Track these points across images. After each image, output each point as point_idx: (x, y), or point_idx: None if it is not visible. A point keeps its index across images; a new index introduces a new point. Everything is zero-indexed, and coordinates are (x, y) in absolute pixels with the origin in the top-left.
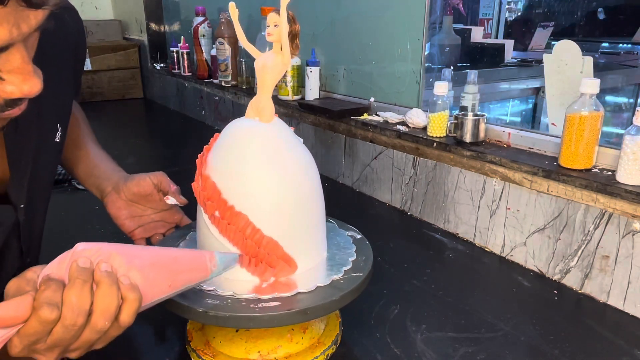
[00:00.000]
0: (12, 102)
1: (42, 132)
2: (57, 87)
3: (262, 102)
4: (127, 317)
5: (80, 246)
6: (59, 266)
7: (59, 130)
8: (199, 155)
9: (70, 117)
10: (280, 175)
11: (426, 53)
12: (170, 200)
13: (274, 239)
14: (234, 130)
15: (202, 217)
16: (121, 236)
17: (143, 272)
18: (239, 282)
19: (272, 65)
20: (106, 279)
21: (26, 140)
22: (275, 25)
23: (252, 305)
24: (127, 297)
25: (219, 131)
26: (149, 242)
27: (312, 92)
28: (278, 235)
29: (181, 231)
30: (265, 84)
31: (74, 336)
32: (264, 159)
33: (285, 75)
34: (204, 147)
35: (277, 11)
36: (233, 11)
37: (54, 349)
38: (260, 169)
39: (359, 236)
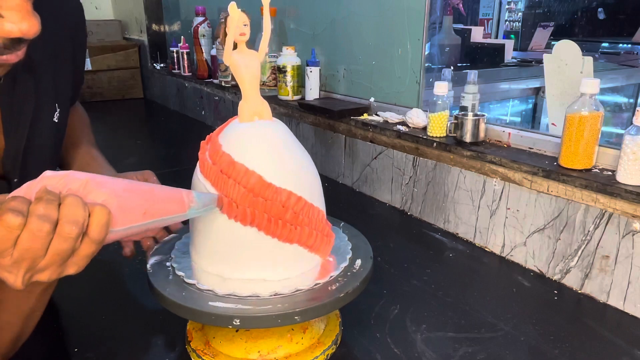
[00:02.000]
0: (11, 44)
1: (39, 107)
2: (55, 64)
3: (260, 103)
4: (96, 229)
5: (48, 173)
6: (27, 190)
7: (58, 110)
8: (207, 171)
9: (69, 101)
10: (305, 165)
11: (426, 53)
12: None
13: (322, 211)
14: (251, 131)
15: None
16: None
17: (116, 197)
18: (305, 275)
19: (257, 65)
20: (72, 195)
21: (22, 110)
22: (245, 25)
23: (335, 286)
24: (94, 210)
25: None
26: (139, 248)
27: (312, 92)
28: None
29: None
30: (255, 84)
31: (42, 247)
32: (295, 149)
33: (285, 75)
34: (205, 158)
35: (243, 10)
36: (234, 11)
37: (21, 264)
38: (298, 157)
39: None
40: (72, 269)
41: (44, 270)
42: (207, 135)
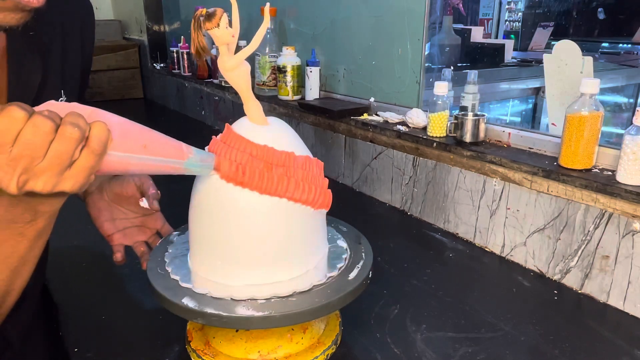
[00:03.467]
0: None
1: (44, 85)
2: (64, 51)
3: (258, 103)
4: (96, 140)
5: (54, 102)
6: None
7: (64, 98)
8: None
9: (77, 94)
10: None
11: (426, 53)
12: (143, 202)
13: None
14: (265, 128)
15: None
16: None
17: (118, 124)
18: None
19: (249, 66)
20: (73, 112)
21: (28, 85)
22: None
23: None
24: (94, 124)
25: (219, 131)
26: (130, 252)
27: (312, 92)
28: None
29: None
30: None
31: (42, 144)
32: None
33: (285, 75)
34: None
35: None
36: (267, 14)
37: (18, 162)
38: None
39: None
40: (68, 183)
41: (40, 176)
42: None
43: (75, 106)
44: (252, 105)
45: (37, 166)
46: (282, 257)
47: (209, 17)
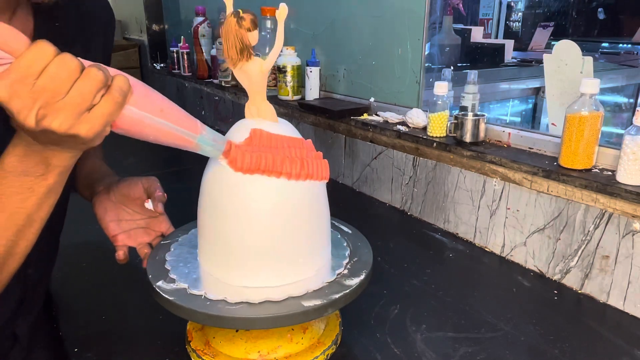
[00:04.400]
0: None
1: None
2: (87, 47)
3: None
4: (117, 88)
5: (80, 59)
6: None
7: None
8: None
9: None
10: None
11: (426, 53)
12: (148, 204)
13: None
14: (280, 128)
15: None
16: None
17: (138, 85)
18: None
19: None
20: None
21: None
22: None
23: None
24: (117, 76)
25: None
26: (131, 252)
27: (312, 92)
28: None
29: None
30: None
31: (67, 79)
32: None
33: (285, 75)
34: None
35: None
36: (284, 11)
37: (40, 95)
38: None
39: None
40: (84, 127)
41: (59, 113)
42: None
43: (102, 66)
44: (266, 103)
45: (58, 102)
46: (324, 241)
47: (243, 18)
